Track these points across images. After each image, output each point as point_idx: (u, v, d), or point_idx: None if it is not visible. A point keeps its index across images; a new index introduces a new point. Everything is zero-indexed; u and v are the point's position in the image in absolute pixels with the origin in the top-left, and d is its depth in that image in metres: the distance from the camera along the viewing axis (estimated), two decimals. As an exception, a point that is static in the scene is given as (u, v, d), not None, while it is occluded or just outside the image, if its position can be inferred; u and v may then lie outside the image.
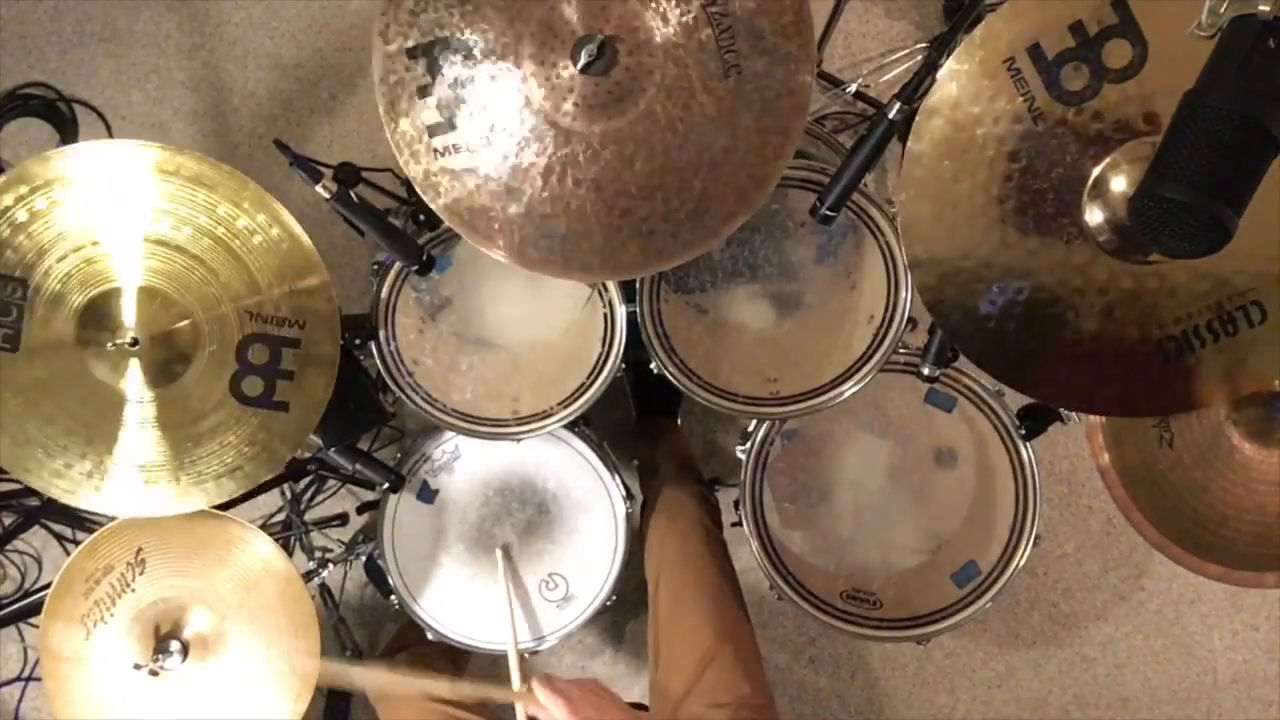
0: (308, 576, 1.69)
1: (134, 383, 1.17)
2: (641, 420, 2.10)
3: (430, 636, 1.55)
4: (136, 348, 1.16)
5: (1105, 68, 0.93)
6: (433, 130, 1.05)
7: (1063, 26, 0.93)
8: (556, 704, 1.14)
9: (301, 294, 1.17)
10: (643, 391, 2.09)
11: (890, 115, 1.06)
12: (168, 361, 1.18)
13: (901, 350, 1.40)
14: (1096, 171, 0.96)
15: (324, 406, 1.20)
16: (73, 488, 1.19)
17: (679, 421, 2.14)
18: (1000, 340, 1.02)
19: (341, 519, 2.10)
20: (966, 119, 0.96)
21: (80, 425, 1.17)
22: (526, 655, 1.58)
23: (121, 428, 1.18)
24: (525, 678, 1.27)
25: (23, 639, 2.17)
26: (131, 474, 1.19)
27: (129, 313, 1.16)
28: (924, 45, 2.10)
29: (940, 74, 0.96)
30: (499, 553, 1.54)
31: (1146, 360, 1.01)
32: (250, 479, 1.21)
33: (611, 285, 1.36)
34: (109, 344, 1.15)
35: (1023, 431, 1.42)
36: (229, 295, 1.16)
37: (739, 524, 1.49)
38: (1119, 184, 0.95)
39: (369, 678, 1.53)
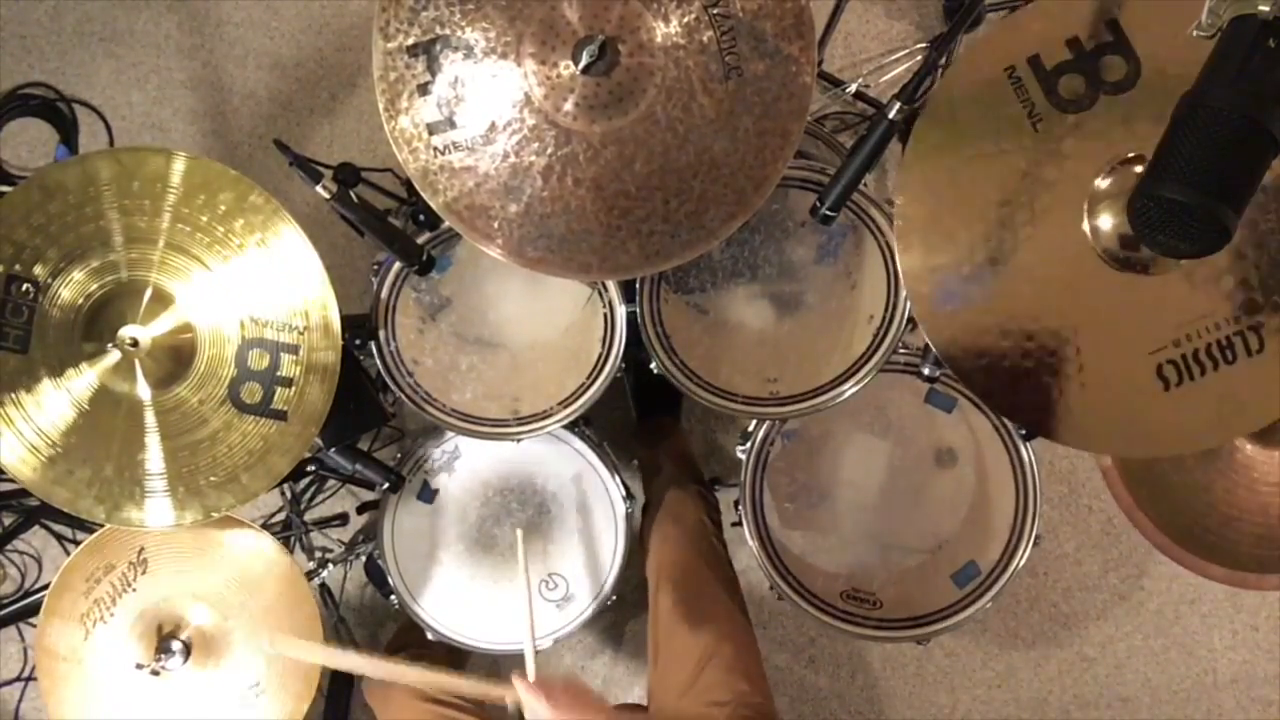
0: (308, 576, 1.68)
1: (136, 386, 1.17)
2: (643, 422, 2.10)
3: (430, 636, 1.55)
4: (137, 349, 1.15)
5: (1102, 80, 0.94)
6: (432, 128, 1.05)
7: (1060, 41, 0.94)
8: (538, 699, 1.14)
9: (303, 300, 1.17)
10: (643, 393, 2.09)
11: (890, 115, 1.06)
12: (169, 364, 1.18)
13: (901, 350, 1.40)
14: (1095, 178, 0.96)
15: (323, 418, 1.19)
16: (73, 497, 1.18)
17: (681, 422, 2.14)
18: (998, 361, 1.02)
19: (341, 519, 2.10)
20: (967, 123, 0.96)
21: (82, 432, 1.17)
22: (535, 652, 1.58)
23: (122, 434, 1.18)
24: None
25: (23, 639, 2.17)
26: (129, 483, 1.19)
27: (134, 314, 1.16)
28: (924, 45, 2.10)
29: (941, 79, 0.96)
30: (518, 533, 1.51)
31: (1146, 387, 1.00)
32: (247, 492, 1.20)
33: (611, 285, 1.35)
34: (110, 344, 1.15)
35: (1023, 431, 1.42)
36: (232, 299, 1.16)
37: (739, 524, 1.49)
38: (1118, 190, 0.95)
39: (366, 665, 1.52)
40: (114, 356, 1.16)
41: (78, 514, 1.18)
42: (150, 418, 1.18)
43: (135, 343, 1.15)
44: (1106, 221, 0.95)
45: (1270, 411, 1.01)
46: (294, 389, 1.17)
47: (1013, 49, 0.94)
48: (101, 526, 1.26)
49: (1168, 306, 0.98)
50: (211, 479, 1.18)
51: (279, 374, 1.17)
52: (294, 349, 1.17)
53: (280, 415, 1.18)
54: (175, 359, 1.17)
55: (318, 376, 1.17)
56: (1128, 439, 1.05)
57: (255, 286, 1.16)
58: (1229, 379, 0.99)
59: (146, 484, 1.19)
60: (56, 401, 1.16)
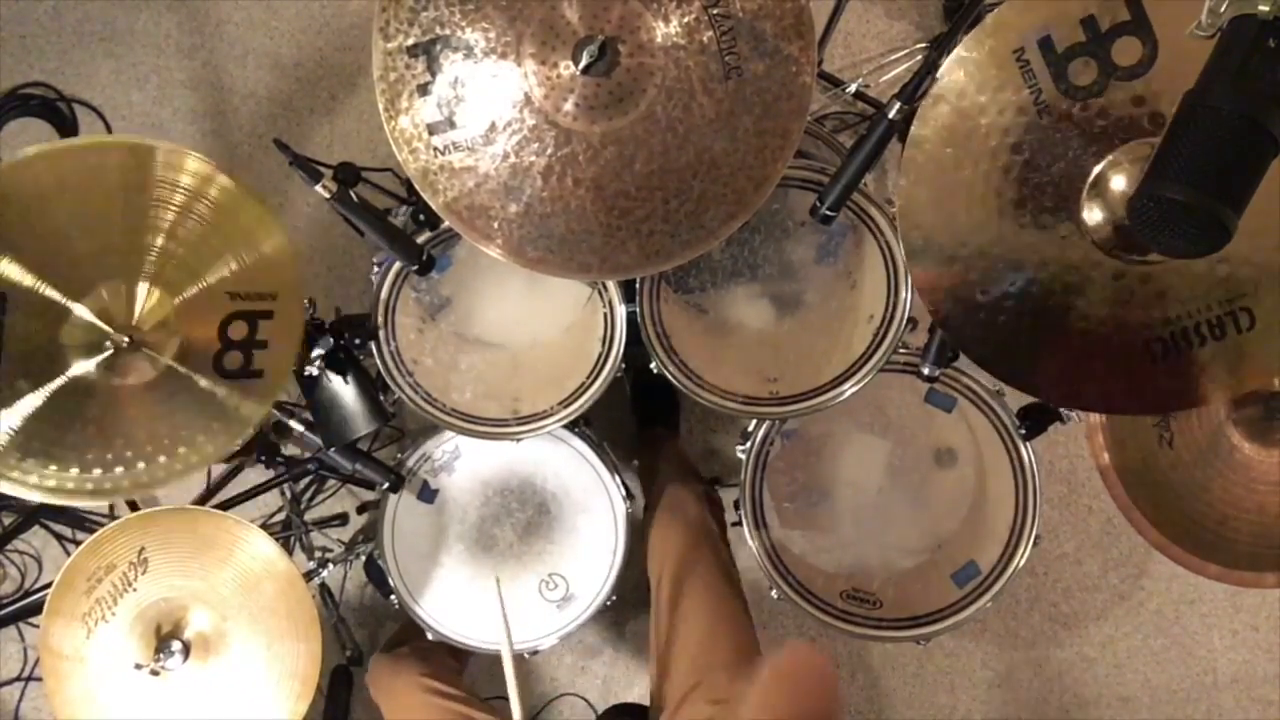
0: (308, 576, 1.69)
1: (118, 378, 1.16)
2: (643, 433, 2.10)
3: (430, 637, 1.55)
4: (122, 343, 1.14)
5: (1114, 65, 0.93)
6: (432, 128, 1.05)
7: (1075, 20, 0.93)
8: None
9: (271, 264, 1.17)
10: (643, 402, 2.09)
11: (890, 115, 1.06)
12: (156, 353, 1.17)
13: (901, 350, 1.40)
14: (1097, 169, 0.96)
15: (292, 365, 1.21)
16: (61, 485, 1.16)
17: (680, 431, 2.14)
18: (992, 332, 1.02)
19: (341, 519, 2.10)
20: (972, 107, 0.96)
21: (62, 421, 1.15)
22: (527, 655, 1.58)
23: (97, 416, 1.16)
24: (524, 705, 1.26)
25: (23, 639, 2.17)
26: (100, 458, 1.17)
27: (115, 306, 1.15)
28: (924, 45, 2.10)
29: (948, 60, 0.96)
30: (495, 581, 1.44)
31: (1135, 359, 1.01)
32: (219, 449, 1.19)
33: (611, 285, 1.36)
34: (95, 340, 1.14)
35: (1023, 431, 1.42)
36: (212, 277, 1.16)
37: (739, 524, 1.49)
38: (1119, 182, 0.95)
39: None
40: (101, 353, 1.15)
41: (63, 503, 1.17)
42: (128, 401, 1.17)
43: (122, 338, 1.14)
44: (1106, 211, 0.96)
45: (1261, 376, 1.02)
46: (269, 349, 1.19)
47: (1025, 29, 0.94)
48: (101, 525, 1.26)
49: (1160, 291, 0.99)
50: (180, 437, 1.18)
51: (257, 338, 1.18)
52: (269, 315, 1.18)
53: (257, 374, 1.19)
54: (161, 348, 1.17)
55: (287, 331, 1.19)
56: (1110, 399, 1.07)
57: (230, 265, 1.15)
58: (1219, 350, 1.00)
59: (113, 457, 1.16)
60: (33, 400, 1.15)
